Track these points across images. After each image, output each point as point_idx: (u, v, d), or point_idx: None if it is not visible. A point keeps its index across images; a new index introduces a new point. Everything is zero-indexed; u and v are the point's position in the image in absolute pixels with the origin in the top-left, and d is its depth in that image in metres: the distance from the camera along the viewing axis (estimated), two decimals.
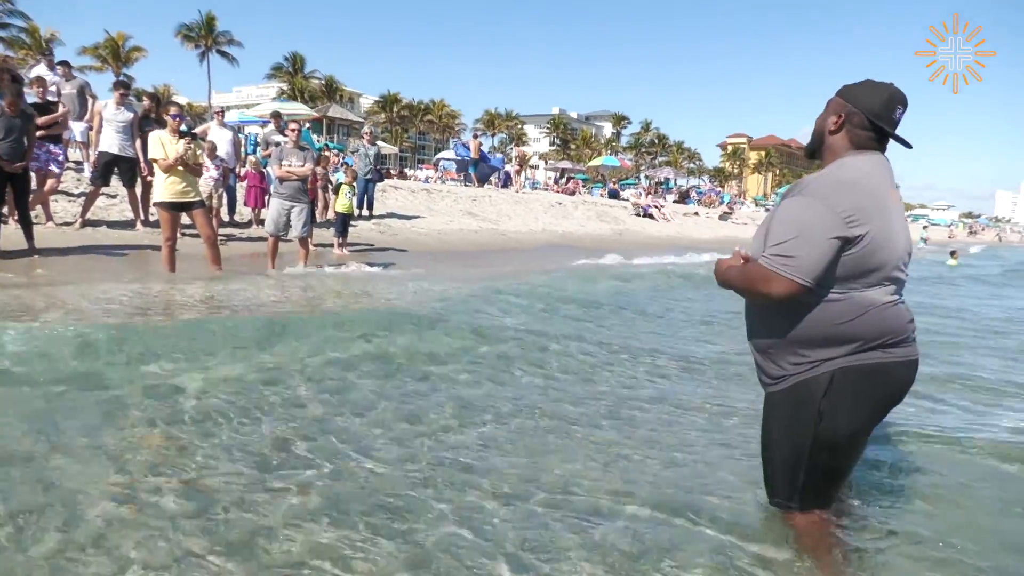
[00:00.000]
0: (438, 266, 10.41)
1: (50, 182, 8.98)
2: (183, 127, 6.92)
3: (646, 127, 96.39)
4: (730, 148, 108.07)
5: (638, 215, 25.79)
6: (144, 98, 10.52)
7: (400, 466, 3.01)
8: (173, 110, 6.90)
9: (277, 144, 9.86)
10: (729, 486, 2.92)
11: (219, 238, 10.05)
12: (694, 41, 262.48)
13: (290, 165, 8.65)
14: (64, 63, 11.45)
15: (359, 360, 4.65)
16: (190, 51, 60.18)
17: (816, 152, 2.35)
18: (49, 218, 9.33)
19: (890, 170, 2.23)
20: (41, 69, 10.99)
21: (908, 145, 2.27)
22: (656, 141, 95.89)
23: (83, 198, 9.83)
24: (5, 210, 8.21)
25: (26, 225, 7.81)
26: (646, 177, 48.01)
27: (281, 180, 8.66)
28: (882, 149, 2.23)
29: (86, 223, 9.42)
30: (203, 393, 3.78)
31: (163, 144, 6.67)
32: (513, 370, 4.77)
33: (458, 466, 3.06)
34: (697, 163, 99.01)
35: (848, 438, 2.23)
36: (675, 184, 49.59)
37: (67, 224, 9.49)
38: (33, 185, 8.66)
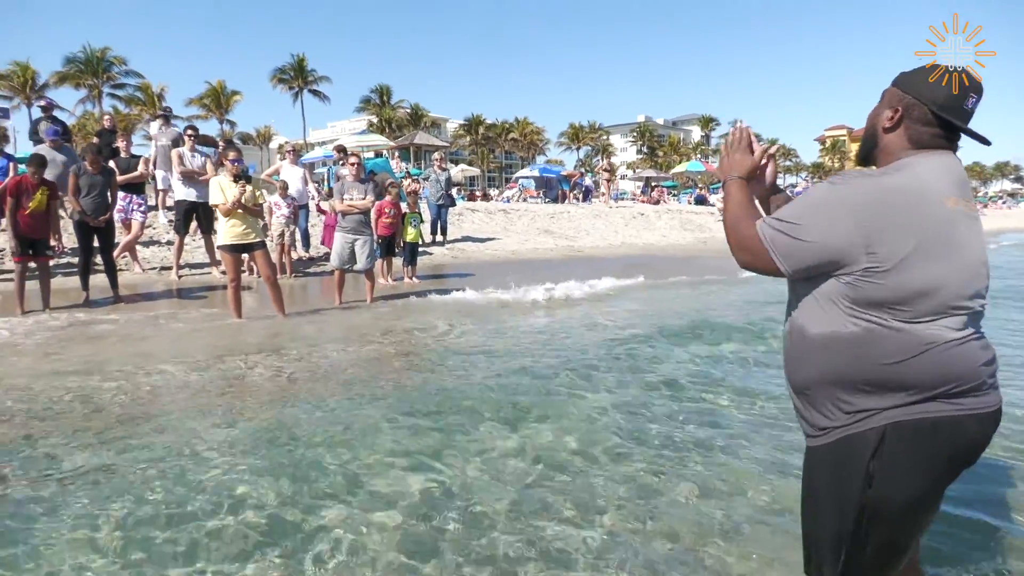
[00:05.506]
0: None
1: (135, 229, 9.53)
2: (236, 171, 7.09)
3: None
4: (828, 142, 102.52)
5: None
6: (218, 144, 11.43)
7: None
8: (232, 155, 7.08)
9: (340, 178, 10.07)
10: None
11: (295, 274, 10.49)
12: (783, 34, 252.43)
13: (351, 199, 8.78)
14: (163, 115, 12.51)
15: None
16: (284, 93, 63.79)
17: (870, 156, 1.92)
18: (136, 261, 9.90)
19: (960, 173, 1.79)
20: (154, 127, 12.03)
21: (985, 142, 1.83)
22: None
23: (171, 245, 10.36)
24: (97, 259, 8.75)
25: (111, 272, 8.25)
26: None
27: (343, 214, 8.79)
28: (953, 148, 1.81)
29: (180, 268, 9.83)
30: None
31: (222, 189, 6.85)
32: None
33: None
34: (793, 160, 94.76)
35: (905, 508, 1.79)
36: None
37: (153, 269, 10.04)
38: (120, 235, 9.22)
